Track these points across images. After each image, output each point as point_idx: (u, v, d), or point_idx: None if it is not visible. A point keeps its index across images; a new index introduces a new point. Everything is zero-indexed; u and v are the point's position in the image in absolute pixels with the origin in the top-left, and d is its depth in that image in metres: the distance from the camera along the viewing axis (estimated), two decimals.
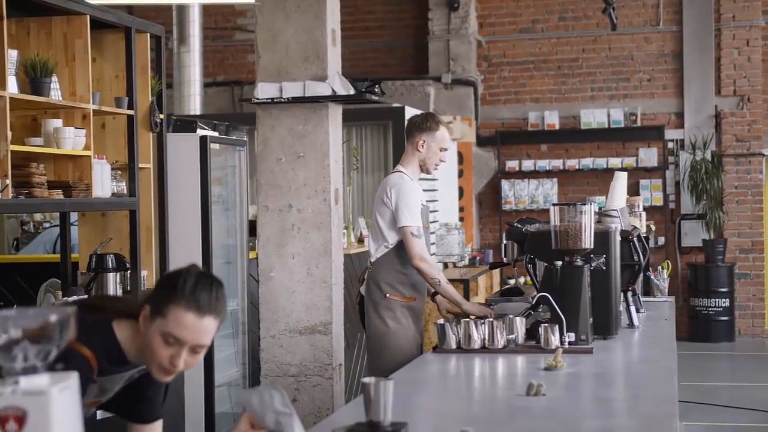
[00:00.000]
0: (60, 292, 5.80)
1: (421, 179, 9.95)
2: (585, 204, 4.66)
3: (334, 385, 5.92)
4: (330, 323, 5.88)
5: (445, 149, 5.52)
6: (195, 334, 2.74)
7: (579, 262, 4.64)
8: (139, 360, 2.87)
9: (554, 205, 4.71)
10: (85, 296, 5.33)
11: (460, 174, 12.80)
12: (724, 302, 12.70)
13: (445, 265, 10.83)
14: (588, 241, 4.63)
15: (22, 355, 1.85)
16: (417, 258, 5.29)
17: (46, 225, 8.97)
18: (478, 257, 11.37)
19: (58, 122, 5.35)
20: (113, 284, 5.77)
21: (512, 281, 11.37)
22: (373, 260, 5.49)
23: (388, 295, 5.41)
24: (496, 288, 10.87)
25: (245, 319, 7.19)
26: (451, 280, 9.42)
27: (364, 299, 5.56)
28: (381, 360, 5.41)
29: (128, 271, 5.92)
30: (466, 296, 9.31)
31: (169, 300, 2.74)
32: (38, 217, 9.30)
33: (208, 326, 2.75)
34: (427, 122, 5.48)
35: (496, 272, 11.45)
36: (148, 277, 6.16)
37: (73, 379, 1.88)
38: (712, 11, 13.06)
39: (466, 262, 11.00)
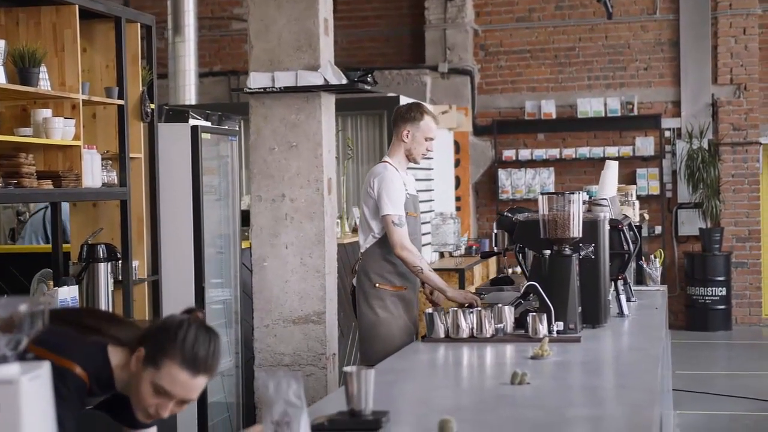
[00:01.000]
0: (51, 282, 5.80)
1: (418, 168, 10.00)
2: (573, 193, 4.66)
3: (328, 375, 5.93)
4: (323, 313, 5.88)
5: (431, 139, 5.51)
6: (186, 390, 2.76)
7: (567, 251, 4.64)
8: (125, 392, 2.87)
9: (542, 194, 4.71)
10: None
11: (457, 163, 12.81)
12: (721, 291, 12.71)
13: (441, 255, 10.84)
14: (576, 230, 4.63)
15: None
16: (398, 247, 5.30)
17: None
18: (474, 247, 11.36)
19: (47, 112, 5.34)
20: (104, 274, 5.76)
21: (509, 270, 11.37)
22: (362, 251, 5.52)
23: (377, 284, 5.44)
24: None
25: (238, 309, 7.18)
26: (447, 270, 9.51)
27: (355, 289, 5.59)
28: (372, 349, 5.42)
29: (119, 261, 5.92)
30: (461, 286, 9.32)
31: (165, 353, 2.73)
32: (34, 207, 9.29)
33: (200, 384, 2.77)
34: (411, 112, 5.49)
35: (493, 261, 11.45)
36: (140, 267, 6.16)
37: (44, 368, 1.88)
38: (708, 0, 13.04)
39: (462, 251, 11.01)
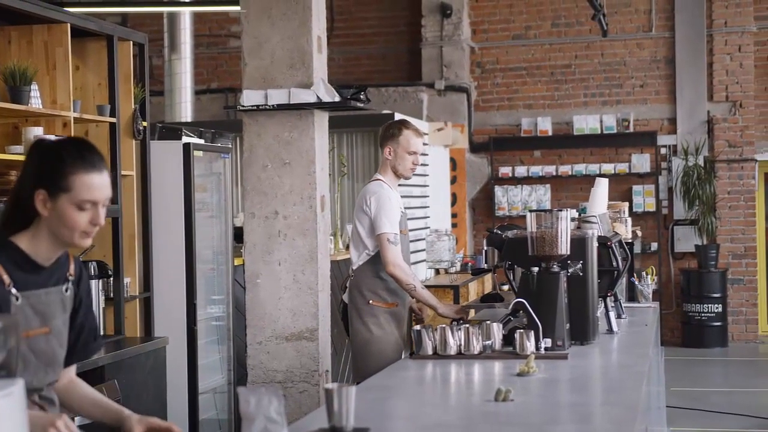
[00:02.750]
0: None
1: (413, 185, 10.00)
2: (561, 210, 4.67)
3: (321, 392, 5.93)
4: (316, 330, 5.88)
5: (414, 152, 5.55)
6: (103, 190, 2.89)
7: (555, 268, 4.64)
8: (51, 257, 2.93)
9: (531, 211, 4.72)
10: None
11: (453, 180, 12.83)
12: (717, 308, 12.71)
13: (437, 271, 10.85)
14: (564, 247, 4.63)
15: None
16: (390, 265, 5.34)
17: None
18: (470, 263, 11.37)
19: (38, 130, 5.37)
20: (96, 291, 5.77)
21: (506, 287, 11.35)
22: (354, 268, 5.54)
23: (370, 301, 5.47)
24: None
25: (231, 326, 7.19)
26: (441, 286, 9.52)
27: (348, 306, 5.61)
28: (365, 366, 5.45)
29: (111, 278, 5.93)
30: (456, 302, 9.33)
31: (67, 172, 2.84)
32: None
33: (108, 180, 2.91)
34: (390, 129, 5.56)
35: (488, 278, 11.45)
36: (131, 284, 6.17)
37: (17, 386, 1.90)
38: (704, 17, 13.08)
39: (458, 268, 11.02)
